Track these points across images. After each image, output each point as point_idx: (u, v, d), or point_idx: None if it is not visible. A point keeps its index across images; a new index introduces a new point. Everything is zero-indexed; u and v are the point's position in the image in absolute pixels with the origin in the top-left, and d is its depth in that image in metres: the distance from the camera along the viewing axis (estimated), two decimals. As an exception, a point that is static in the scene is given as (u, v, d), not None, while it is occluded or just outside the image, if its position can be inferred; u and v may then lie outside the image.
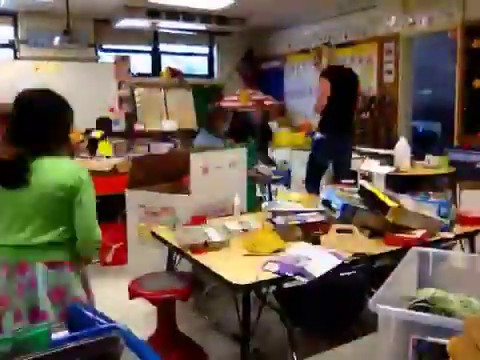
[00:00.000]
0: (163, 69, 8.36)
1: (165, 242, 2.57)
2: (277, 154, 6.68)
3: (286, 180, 6.25)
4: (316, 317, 2.21)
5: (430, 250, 1.37)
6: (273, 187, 5.67)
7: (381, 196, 2.51)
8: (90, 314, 1.04)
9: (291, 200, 3.00)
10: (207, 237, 2.39)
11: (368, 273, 2.22)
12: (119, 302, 2.76)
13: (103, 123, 6.60)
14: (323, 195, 2.74)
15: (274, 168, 6.11)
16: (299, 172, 6.19)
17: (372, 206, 2.53)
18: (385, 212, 2.43)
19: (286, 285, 2.48)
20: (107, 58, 7.76)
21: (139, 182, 3.41)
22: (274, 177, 5.61)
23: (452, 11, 5.52)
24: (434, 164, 4.38)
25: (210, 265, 2.15)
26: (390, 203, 2.44)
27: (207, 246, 2.32)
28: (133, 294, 2.46)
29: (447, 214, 2.67)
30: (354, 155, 5.03)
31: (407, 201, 2.62)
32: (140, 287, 2.46)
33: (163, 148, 6.58)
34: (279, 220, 2.56)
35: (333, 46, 5.48)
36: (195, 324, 3.05)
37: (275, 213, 2.68)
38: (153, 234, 2.71)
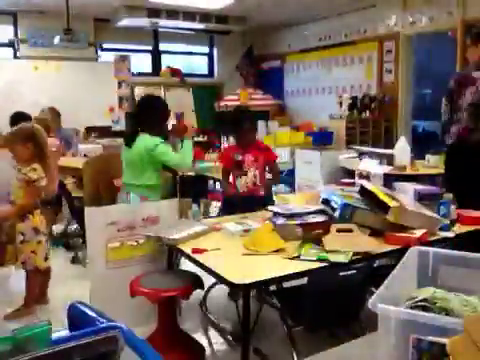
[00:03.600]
0: (163, 68, 8.37)
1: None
2: (278, 154, 6.66)
3: (289, 179, 6.23)
4: (316, 316, 2.21)
5: (430, 249, 1.37)
6: (273, 187, 5.66)
7: (381, 195, 2.51)
8: (90, 313, 1.04)
9: (287, 202, 2.98)
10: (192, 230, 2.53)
11: (368, 272, 2.22)
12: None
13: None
14: (323, 195, 2.74)
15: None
16: (302, 171, 6.18)
17: (372, 206, 2.52)
18: (385, 211, 2.43)
19: (286, 284, 2.49)
20: (107, 57, 7.76)
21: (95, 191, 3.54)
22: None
23: (452, 10, 5.52)
24: (434, 163, 4.39)
25: (210, 265, 2.15)
26: (390, 203, 2.44)
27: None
28: (134, 292, 2.46)
29: (447, 214, 2.67)
30: (352, 154, 4.98)
31: (407, 200, 2.62)
32: (141, 285, 2.46)
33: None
34: (279, 220, 2.56)
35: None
36: (196, 323, 3.05)
37: (275, 213, 2.68)
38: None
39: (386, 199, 2.48)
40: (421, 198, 2.73)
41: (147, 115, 3.22)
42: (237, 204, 3.26)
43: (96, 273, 2.79)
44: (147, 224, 2.85)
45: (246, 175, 3.45)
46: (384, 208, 2.44)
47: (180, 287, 2.43)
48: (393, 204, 2.43)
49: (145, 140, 3.12)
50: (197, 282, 2.52)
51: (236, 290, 3.21)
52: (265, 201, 3.38)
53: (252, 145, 3.57)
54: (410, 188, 2.82)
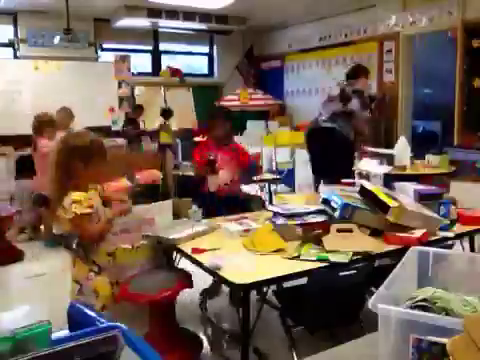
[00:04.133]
0: (163, 68, 8.36)
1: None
2: (278, 154, 6.68)
3: (288, 180, 6.24)
4: (316, 316, 2.21)
5: (430, 249, 1.37)
6: (273, 187, 5.67)
7: (381, 195, 2.51)
8: (90, 313, 1.04)
9: (287, 202, 2.98)
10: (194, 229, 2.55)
11: (368, 272, 2.22)
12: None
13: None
14: (323, 195, 2.74)
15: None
16: (302, 171, 6.19)
17: (372, 206, 2.52)
18: (385, 211, 2.42)
19: (286, 284, 2.49)
20: (107, 57, 7.75)
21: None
22: (275, 177, 5.60)
23: (452, 10, 5.51)
24: (434, 163, 4.38)
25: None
26: (390, 202, 2.44)
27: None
28: (122, 297, 2.33)
29: (447, 214, 2.67)
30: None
31: (407, 200, 2.62)
32: (129, 289, 2.36)
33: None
34: (279, 220, 2.56)
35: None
36: (196, 323, 3.05)
37: (275, 213, 2.68)
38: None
39: (386, 199, 2.48)
40: (421, 198, 2.73)
41: None
42: (212, 203, 3.23)
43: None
44: (142, 227, 2.83)
45: (217, 174, 3.42)
46: (384, 208, 2.44)
47: (168, 288, 2.38)
48: (393, 204, 2.43)
49: None
50: (187, 281, 2.48)
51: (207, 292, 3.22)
52: (241, 201, 3.39)
53: (226, 145, 3.54)
54: (410, 188, 2.82)
